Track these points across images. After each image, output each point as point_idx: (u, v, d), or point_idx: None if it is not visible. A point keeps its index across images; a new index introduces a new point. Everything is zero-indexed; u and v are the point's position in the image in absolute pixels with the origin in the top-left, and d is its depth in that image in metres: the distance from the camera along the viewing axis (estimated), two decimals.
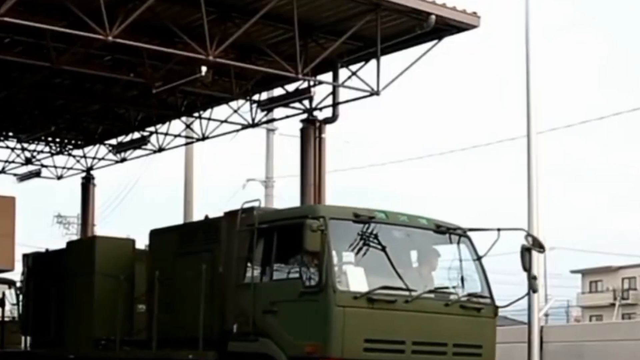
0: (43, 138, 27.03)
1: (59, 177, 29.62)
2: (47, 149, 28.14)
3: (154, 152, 25.76)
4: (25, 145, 27.76)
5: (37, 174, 29.21)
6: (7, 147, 27.88)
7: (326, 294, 12.02)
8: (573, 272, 75.21)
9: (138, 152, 26.35)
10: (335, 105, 20.59)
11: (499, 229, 13.17)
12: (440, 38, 18.67)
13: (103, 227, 31.10)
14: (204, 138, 24.14)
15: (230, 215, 13.86)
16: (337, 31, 18.52)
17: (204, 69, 17.46)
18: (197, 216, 22.05)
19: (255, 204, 13.63)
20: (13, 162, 28.76)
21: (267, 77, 20.74)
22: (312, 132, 20.58)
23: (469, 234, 13.65)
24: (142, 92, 21.73)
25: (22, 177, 29.43)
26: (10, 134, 26.97)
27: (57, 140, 27.64)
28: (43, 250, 19.39)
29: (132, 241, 16.84)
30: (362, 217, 12.60)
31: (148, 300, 15.45)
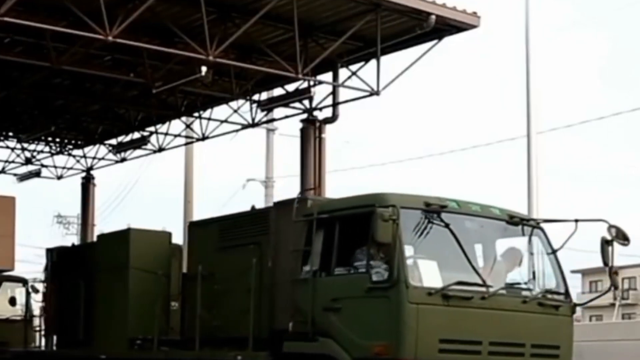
0: (43, 138, 27.02)
1: (59, 177, 29.61)
2: (47, 149, 28.13)
3: (154, 152, 25.75)
4: (25, 145, 27.75)
5: (37, 174, 29.20)
6: (7, 147, 27.90)
7: (398, 290, 11.10)
8: (573, 272, 75.17)
9: (138, 152, 26.35)
10: (335, 105, 20.59)
11: (576, 220, 12.17)
12: (440, 38, 18.66)
13: (103, 227, 31.06)
14: (204, 138, 24.13)
15: (281, 205, 13.13)
16: (337, 31, 18.52)
17: (204, 69, 17.46)
18: (197, 216, 22.00)
19: (311, 193, 12.98)
20: (13, 162, 28.76)
21: (267, 77, 20.73)
22: (312, 132, 20.58)
23: (543, 225, 12.73)
24: (142, 92, 21.73)
25: (22, 177, 29.42)
26: (10, 134, 26.96)
27: (57, 140, 27.64)
28: (68, 245, 19.04)
29: (169, 234, 15.98)
30: (433, 206, 11.65)
31: (186, 297, 14.76)
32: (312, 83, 20.18)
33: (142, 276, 15.27)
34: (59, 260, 18.25)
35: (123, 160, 27.30)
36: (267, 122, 25.59)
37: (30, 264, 34.82)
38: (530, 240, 12.47)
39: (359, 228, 11.56)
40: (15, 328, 21.49)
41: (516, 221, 12.41)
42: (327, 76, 20.49)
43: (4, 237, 19.22)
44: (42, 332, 19.19)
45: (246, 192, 36.06)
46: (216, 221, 14.62)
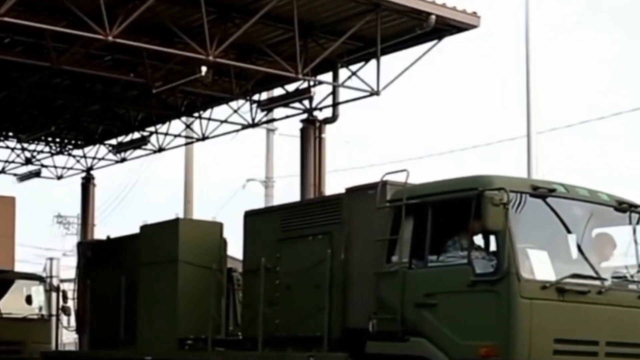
0: (43, 138, 27.02)
1: (59, 177, 29.61)
2: (47, 149, 28.14)
3: (154, 152, 25.76)
4: (25, 145, 27.75)
5: (37, 174, 29.21)
6: (7, 147, 27.91)
7: (508, 283, 9.88)
8: None
9: (138, 152, 26.35)
10: (335, 105, 20.59)
11: None
12: (440, 38, 18.66)
13: (103, 227, 31.08)
14: (204, 138, 24.14)
15: (356, 191, 11.99)
16: (337, 31, 18.52)
17: (204, 69, 17.47)
18: (197, 216, 21.97)
19: (394, 177, 11.42)
20: (13, 162, 28.77)
21: (267, 77, 20.73)
22: (312, 132, 20.58)
23: None
24: (142, 92, 21.73)
25: (22, 177, 29.43)
26: (10, 134, 26.97)
27: (57, 140, 27.64)
28: (102, 238, 18.12)
29: (220, 225, 14.72)
30: (541, 190, 10.51)
31: (244, 292, 13.77)
32: (312, 83, 20.18)
33: (192, 271, 14.13)
34: (94, 254, 17.33)
35: (123, 160, 27.31)
36: (267, 122, 25.60)
37: (30, 264, 34.82)
38: (635, 230, 11.16)
39: (458, 214, 10.47)
40: (32, 327, 21.23)
41: (624, 208, 11.16)
42: (327, 76, 20.49)
43: (4, 237, 19.23)
44: (72, 331, 18.61)
45: (246, 192, 36.09)
46: (277, 210, 13.66)
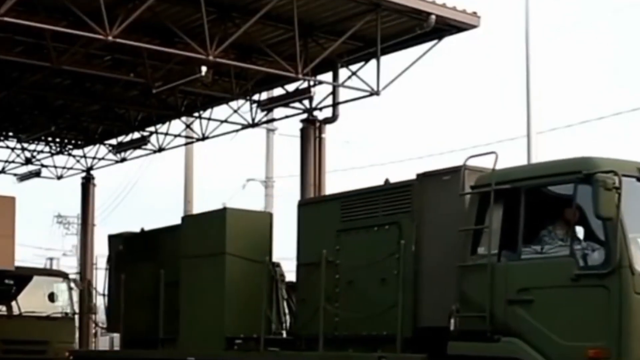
0: (43, 138, 27.02)
1: (59, 177, 29.62)
2: (47, 149, 28.14)
3: (154, 152, 25.76)
4: (25, 145, 27.75)
5: (37, 174, 29.21)
6: (7, 147, 27.92)
7: (620, 277, 8.93)
8: None
9: (138, 152, 26.35)
10: (335, 105, 20.58)
11: None
12: (440, 38, 18.66)
13: (103, 227, 31.07)
14: (204, 138, 24.13)
15: (429, 177, 11.12)
16: (337, 31, 18.51)
17: (204, 69, 17.45)
18: None
19: (479, 160, 10.45)
20: (13, 162, 28.77)
21: (267, 77, 20.73)
22: (312, 132, 20.57)
23: None
24: (142, 92, 21.75)
25: (22, 177, 29.44)
26: (10, 134, 26.98)
27: (57, 140, 27.64)
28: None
29: (270, 215, 14.11)
30: None
31: (300, 288, 12.84)
32: (312, 83, 20.18)
33: (241, 264, 13.21)
34: (128, 247, 16.45)
35: (123, 160, 27.30)
36: (267, 122, 25.60)
37: (30, 264, 34.81)
38: None
39: (557, 200, 9.65)
40: (56, 326, 20.84)
41: None
42: (327, 76, 20.49)
43: (4, 237, 19.14)
44: (102, 330, 18.15)
45: (246, 192, 36.11)
46: (336, 199, 12.52)
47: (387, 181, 11.83)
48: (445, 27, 18.36)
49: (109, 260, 16.97)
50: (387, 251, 11.27)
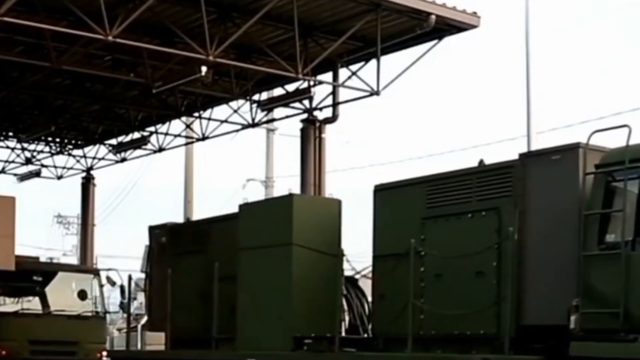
0: (43, 138, 27.03)
1: (59, 177, 29.63)
2: (47, 149, 28.15)
3: (154, 152, 25.76)
4: (25, 145, 27.77)
5: (37, 174, 29.22)
6: (7, 147, 27.93)
7: None
8: None
9: (138, 152, 26.35)
10: (335, 105, 20.58)
11: None
12: (440, 38, 18.66)
13: (103, 227, 31.13)
14: (204, 138, 24.13)
15: (534, 157, 10.02)
16: (337, 31, 18.51)
17: (204, 69, 17.45)
18: (197, 216, 21.93)
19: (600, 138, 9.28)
20: (13, 162, 28.80)
21: (267, 77, 20.74)
22: (312, 132, 20.58)
23: None
24: (142, 92, 21.75)
25: (22, 177, 29.45)
26: (10, 134, 26.99)
27: (57, 140, 27.65)
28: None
29: (338, 202, 12.44)
30: None
31: (378, 282, 11.61)
32: (312, 83, 20.18)
33: (309, 256, 11.93)
34: (172, 239, 15.13)
35: (123, 160, 27.31)
36: (267, 122, 25.60)
37: None
38: None
39: None
40: (87, 325, 19.93)
41: None
42: (327, 76, 20.49)
43: (4, 237, 19.10)
44: (141, 329, 16.67)
45: (246, 192, 36.11)
46: (421, 183, 11.20)
47: (481, 162, 10.64)
48: (445, 27, 18.36)
49: (150, 254, 15.65)
50: (483, 241, 10.10)
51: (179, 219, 26.24)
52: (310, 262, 11.96)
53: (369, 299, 12.53)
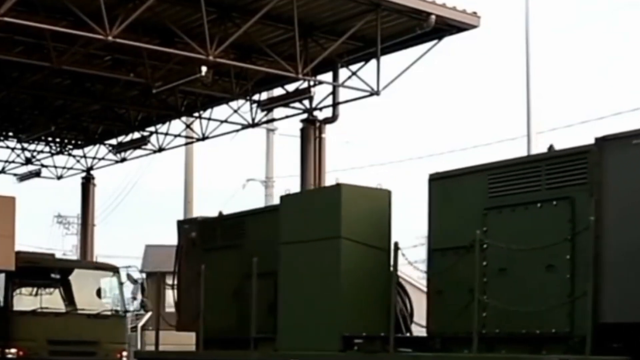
0: (43, 138, 27.04)
1: (59, 177, 29.64)
2: (47, 149, 28.16)
3: (154, 152, 25.76)
4: (25, 145, 27.78)
5: (37, 174, 29.23)
6: (7, 147, 27.94)
7: None
8: None
9: (138, 152, 26.36)
10: (335, 105, 20.58)
11: None
12: (440, 38, 18.66)
13: (103, 227, 31.14)
14: (204, 138, 24.14)
15: (611, 141, 9.23)
16: (337, 31, 18.52)
17: (204, 69, 17.45)
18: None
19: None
20: (13, 162, 28.81)
21: (267, 77, 20.74)
22: (312, 132, 20.58)
23: None
24: (142, 92, 21.75)
25: (22, 177, 29.46)
26: (10, 134, 27.00)
27: (57, 140, 27.66)
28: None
29: (388, 192, 11.66)
30: None
31: (435, 278, 10.85)
32: (312, 83, 20.18)
33: (358, 250, 11.23)
34: (201, 234, 14.44)
35: (123, 160, 27.31)
36: (267, 122, 25.61)
37: None
38: None
39: None
40: (106, 325, 19.41)
41: None
42: (327, 76, 20.50)
43: (4, 237, 19.07)
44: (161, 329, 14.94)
45: (246, 192, 36.14)
46: (482, 171, 10.44)
47: (551, 147, 9.91)
48: (445, 27, 18.36)
49: (179, 249, 14.81)
50: (555, 232, 9.34)
51: (179, 219, 26.29)
52: (359, 256, 11.23)
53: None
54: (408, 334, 11.68)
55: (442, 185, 10.83)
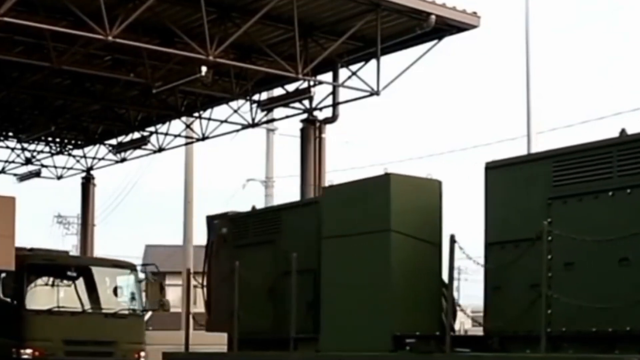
0: (43, 138, 27.06)
1: (59, 177, 29.66)
2: (47, 149, 28.18)
3: (154, 152, 25.77)
4: (25, 145, 27.80)
5: (37, 174, 29.25)
6: (7, 147, 27.96)
7: None
8: None
9: (138, 152, 26.37)
10: (335, 105, 20.59)
11: None
12: (440, 38, 18.67)
13: (103, 227, 31.14)
14: (204, 138, 24.14)
15: None
16: (337, 31, 18.52)
17: (204, 69, 17.46)
18: (197, 216, 21.92)
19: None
20: (13, 162, 28.83)
21: (267, 77, 20.75)
22: (312, 132, 20.59)
23: None
24: (142, 92, 21.76)
25: (22, 177, 29.47)
26: (10, 134, 27.01)
27: (57, 140, 27.68)
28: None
29: (439, 183, 10.94)
30: None
31: (493, 273, 10.01)
32: (312, 83, 20.19)
33: (408, 245, 10.53)
34: (233, 230, 13.64)
35: (123, 160, 27.32)
36: (267, 122, 25.61)
37: None
38: None
39: None
40: (124, 324, 18.91)
41: None
42: (327, 76, 20.51)
43: (4, 237, 19.04)
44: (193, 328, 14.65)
45: (246, 192, 36.15)
46: (545, 158, 9.67)
47: (623, 132, 9.11)
48: (445, 27, 18.36)
49: (208, 246, 14.13)
50: (629, 222, 8.62)
51: (179, 218, 26.29)
52: (409, 250, 10.52)
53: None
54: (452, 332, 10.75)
55: (500, 175, 10.05)
